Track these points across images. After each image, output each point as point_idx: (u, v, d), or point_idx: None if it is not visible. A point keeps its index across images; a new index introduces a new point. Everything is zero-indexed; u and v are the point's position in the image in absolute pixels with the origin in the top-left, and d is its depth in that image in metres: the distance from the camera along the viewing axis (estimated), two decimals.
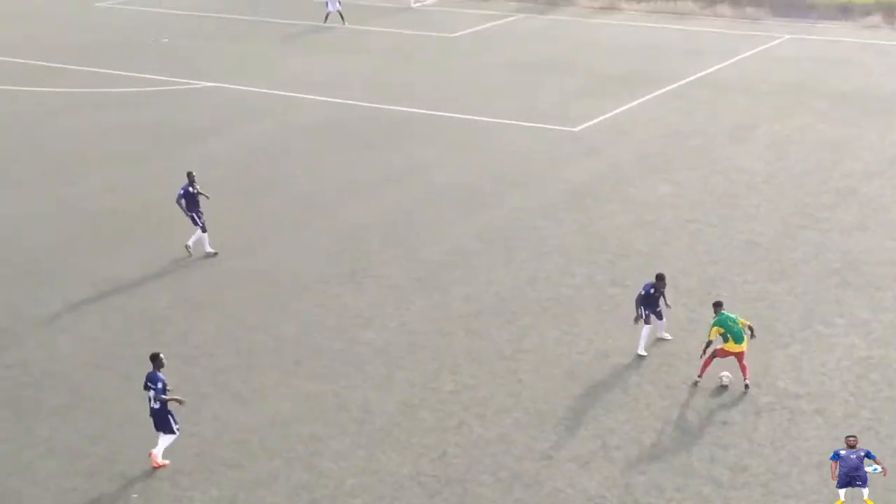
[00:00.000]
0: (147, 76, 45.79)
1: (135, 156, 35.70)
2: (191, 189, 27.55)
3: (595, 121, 38.35)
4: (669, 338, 22.98)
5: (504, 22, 56.49)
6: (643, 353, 22.44)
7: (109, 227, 29.88)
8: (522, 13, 58.51)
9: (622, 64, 46.63)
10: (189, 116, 40.13)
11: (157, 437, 19.21)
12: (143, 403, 19.45)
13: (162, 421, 19.13)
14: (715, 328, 20.94)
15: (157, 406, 19.03)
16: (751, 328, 21.23)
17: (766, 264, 26.56)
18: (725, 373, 21.20)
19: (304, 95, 42.54)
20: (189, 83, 44.81)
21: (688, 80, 43.76)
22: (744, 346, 20.85)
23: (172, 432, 19.19)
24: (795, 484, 18.21)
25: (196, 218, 27.59)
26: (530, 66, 46.61)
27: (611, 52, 49.22)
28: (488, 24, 55.82)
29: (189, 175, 27.81)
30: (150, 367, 19.32)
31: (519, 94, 41.91)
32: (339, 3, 56.55)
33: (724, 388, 21.11)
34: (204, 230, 27.65)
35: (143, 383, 19.32)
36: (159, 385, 18.94)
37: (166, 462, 19.21)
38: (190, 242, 27.72)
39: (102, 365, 22.61)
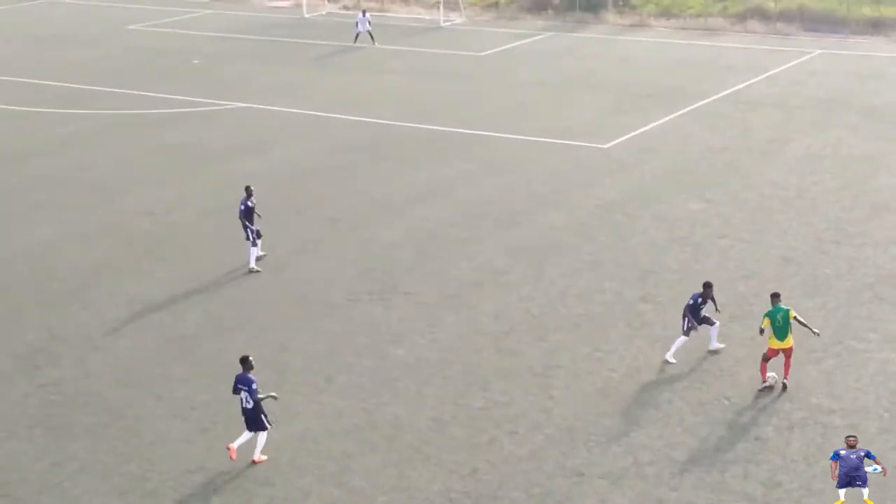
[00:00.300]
0: (180, 97, 46.13)
1: (169, 176, 35.90)
2: (249, 203, 28.20)
3: (625, 137, 38.30)
4: (722, 346, 22.86)
5: (533, 40, 56.58)
6: (672, 360, 22.37)
7: (144, 248, 30.01)
8: (551, 31, 58.60)
9: (652, 81, 46.59)
10: (222, 137, 40.35)
11: (254, 437, 19.77)
12: (174, 422, 19.49)
13: (255, 420, 19.82)
14: (765, 319, 21.19)
15: (250, 406, 19.73)
16: (802, 323, 21.32)
17: (799, 279, 26.39)
18: (772, 374, 21.38)
19: (335, 115, 42.71)
20: (222, 104, 45.09)
21: (719, 96, 43.65)
22: (788, 343, 21.00)
23: (265, 429, 19.83)
24: (829, 500, 18.00)
25: (252, 234, 28.18)
26: (559, 83, 46.63)
27: (640, 69, 49.18)
28: (517, 43, 55.91)
29: (247, 189, 28.50)
30: (237, 369, 20.09)
31: (549, 112, 41.92)
32: (370, 23, 56.74)
33: (769, 388, 21.18)
34: (253, 244, 28.14)
35: (232, 387, 19.96)
36: (253, 386, 19.70)
37: (264, 457, 19.83)
38: (252, 265, 28.17)
39: (135, 384, 22.69)
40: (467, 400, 21.54)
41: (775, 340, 21.02)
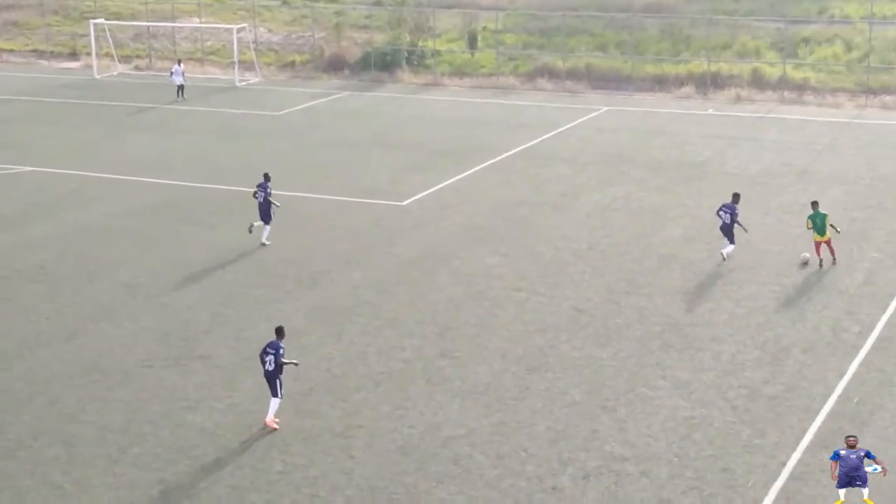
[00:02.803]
0: None
1: None
2: (265, 186, 33.69)
3: (423, 194, 38.77)
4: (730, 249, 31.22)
5: (329, 100, 56.89)
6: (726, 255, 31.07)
7: None
8: (347, 91, 59.07)
9: (448, 138, 47.41)
10: (10, 202, 38.98)
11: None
12: None
13: (273, 384, 22.25)
14: (808, 220, 30.68)
15: (271, 368, 22.13)
16: (833, 226, 30.69)
17: (591, 330, 27.10)
18: (805, 253, 30.92)
19: (129, 177, 41.85)
20: (10, 168, 43.61)
21: (512, 152, 44.72)
22: (827, 236, 30.25)
23: (278, 397, 22.31)
24: None
25: (270, 213, 33.43)
26: (357, 142, 46.96)
27: (436, 127, 50.01)
28: (314, 102, 56.12)
29: (266, 175, 34.20)
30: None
31: (347, 171, 42.12)
32: (183, 75, 56.72)
33: (805, 264, 30.71)
34: (266, 223, 33.42)
35: (261, 351, 22.51)
36: (280, 351, 22.25)
37: (277, 421, 22.37)
38: (265, 239, 33.34)
39: None
40: (266, 464, 21.22)
41: (817, 236, 30.35)
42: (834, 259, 30.89)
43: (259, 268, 31.93)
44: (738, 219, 31.46)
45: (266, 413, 22.53)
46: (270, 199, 33.65)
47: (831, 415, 22.57)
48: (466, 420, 22.70)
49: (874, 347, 25.80)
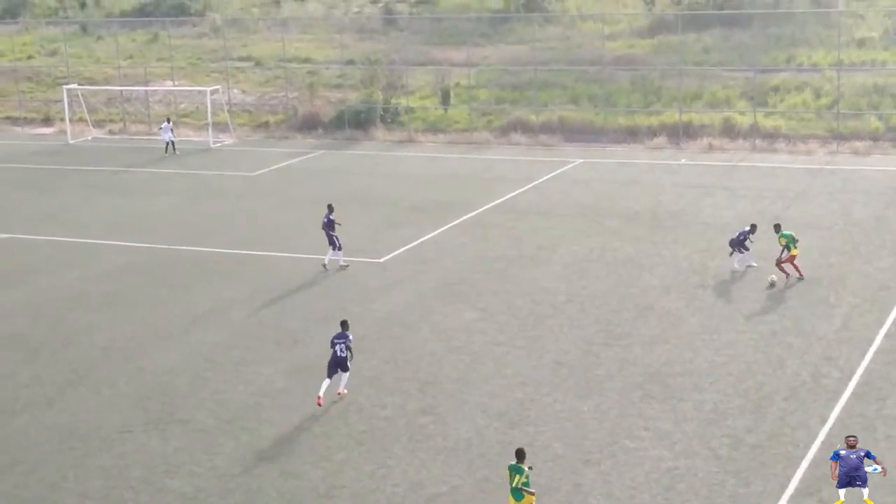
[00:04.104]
0: None
1: None
2: (332, 217, 36.69)
3: (401, 251, 38.79)
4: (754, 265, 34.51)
5: (304, 159, 57.05)
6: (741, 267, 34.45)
7: None
8: (322, 149, 59.28)
9: (423, 194, 47.54)
10: None
11: (339, 377, 26.38)
12: None
13: (344, 364, 26.38)
14: (781, 238, 33.38)
15: (344, 355, 26.26)
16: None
17: (572, 382, 27.05)
18: (773, 276, 33.00)
19: (105, 241, 41.72)
20: None
21: (488, 206, 44.86)
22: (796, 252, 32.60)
23: (348, 371, 26.54)
24: None
25: (333, 240, 36.40)
26: (333, 200, 46.71)
27: (412, 183, 50.17)
28: (288, 162, 56.26)
29: (329, 206, 37.23)
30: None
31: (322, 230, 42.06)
32: (172, 130, 58.14)
33: (772, 285, 32.91)
34: (339, 249, 36.52)
35: (330, 341, 26.45)
36: (350, 338, 26.52)
37: (345, 391, 26.54)
38: (326, 260, 36.54)
39: None
40: None
41: (795, 249, 32.99)
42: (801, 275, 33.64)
43: (237, 329, 31.80)
44: (747, 244, 34.96)
45: (330, 390, 26.29)
46: (330, 226, 36.71)
47: (815, 461, 22.53)
48: (450, 477, 22.57)
49: (854, 393, 25.84)
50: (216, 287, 35.64)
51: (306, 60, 71.92)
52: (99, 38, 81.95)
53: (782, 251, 33.69)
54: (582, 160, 53.73)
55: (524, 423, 24.89)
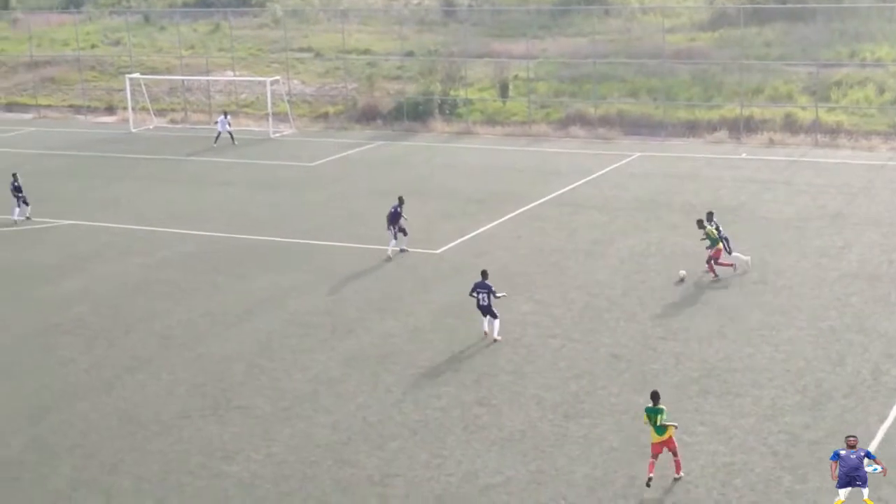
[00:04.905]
0: (2, 217, 44.95)
1: None
2: (399, 210, 36.96)
3: (457, 242, 38.81)
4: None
5: (362, 149, 57.22)
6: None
7: None
8: (380, 140, 59.41)
9: (480, 186, 47.51)
10: (47, 256, 39.38)
11: (492, 323, 29.27)
12: None
13: (491, 310, 29.21)
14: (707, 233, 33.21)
15: (486, 304, 29.06)
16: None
17: (628, 376, 26.93)
18: (682, 270, 33.49)
19: (165, 229, 42.18)
20: (47, 222, 44.07)
21: (544, 199, 44.74)
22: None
23: (497, 318, 29.28)
24: None
25: (394, 232, 36.96)
26: (390, 191, 47.00)
27: (469, 175, 50.16)
28: (347, 153, 56.46)
29: (400, 199, 37.35)
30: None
31: (380, 220, 42.08)
32: (230, 124, 58.89)
33: (682, 280, 33.07)
34: (395, 238, 37.06)
35: (470, 291, 29.46)
36: (492, 287, 29.27)
37: (500, 337, 29.19)
38: (389, 252, 36.90)
39: None
40: None
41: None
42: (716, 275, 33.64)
43: (294, 317, 32.01)
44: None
45: (493, 330, 29.30)
46: (394, 218, 37.07)
47: None
48: (504, 468, 22.58)
49: None
50: (273, 275, 35.90)
51: (366, 52, 72.13)
52: (161, 28, 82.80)
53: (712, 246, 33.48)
54: (640, 154, 53.41)
55: (579, 415, 24.84)
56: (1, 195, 48.68)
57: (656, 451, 21.72)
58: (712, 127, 57.20)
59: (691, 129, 57.72)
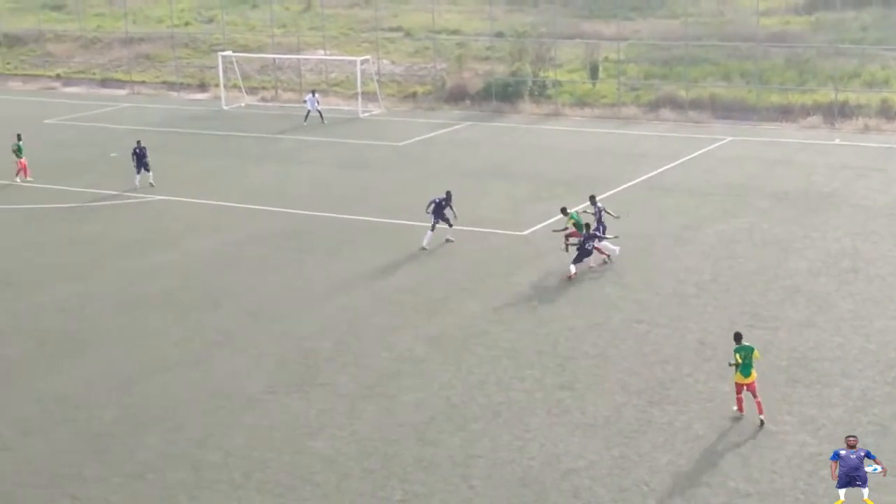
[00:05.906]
0: (96, 190, 45.81)
1: (84, 270, 35.45)
2: (443, 202, 36.41)
3: (543, 224, 38.64)
4: None
5: (450, 130, 57.22)
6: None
7: (56, 343, 29.48)
8: (468, 121, 59.35)
9: (568, 169, 47.27)
10: (139, 230, 40.05)
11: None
12: None
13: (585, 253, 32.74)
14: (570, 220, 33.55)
15: (589, 246, 32.68)
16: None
17: (715, 363, 26.63)
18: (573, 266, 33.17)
19: (253, 206, 42.63)
20: (139, 197, 44.83)
21: (633, 183, 44.38)
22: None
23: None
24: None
25: (435, 224, 36.12)
26: (477, 172, 47.09)
27: (557, 157, 49.92)
28: (435, 133, 56.50)
29: (448, 193, 36.70)
30: None
31: (467, 200, 42.07)
32: (319, 102, 59.68)
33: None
34: (432, 230, 36.12)
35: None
36: (602, 230, 33.09)
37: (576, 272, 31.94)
38: (425, 243, 36.08)
39: (47, 484, 22.11)
40: (386, 492, 21.31)
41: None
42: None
43: (378, 296, 32.18)
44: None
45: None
46: (438, 210, 36.42)
47: None
48: (587, 452, 22.50)
49: None
50: (360, 254, 36.11)
51: (455, 32, 72.05)
52: (254, 6, 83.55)
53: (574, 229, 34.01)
54: (731, 138, 52.70)
55: (664, 401, 24.65)
56: (95, 167, 49.65)
57: (740, 389, 23.22)
58: (806, 112, 56.24)
59: (784, 113, 56.79)
